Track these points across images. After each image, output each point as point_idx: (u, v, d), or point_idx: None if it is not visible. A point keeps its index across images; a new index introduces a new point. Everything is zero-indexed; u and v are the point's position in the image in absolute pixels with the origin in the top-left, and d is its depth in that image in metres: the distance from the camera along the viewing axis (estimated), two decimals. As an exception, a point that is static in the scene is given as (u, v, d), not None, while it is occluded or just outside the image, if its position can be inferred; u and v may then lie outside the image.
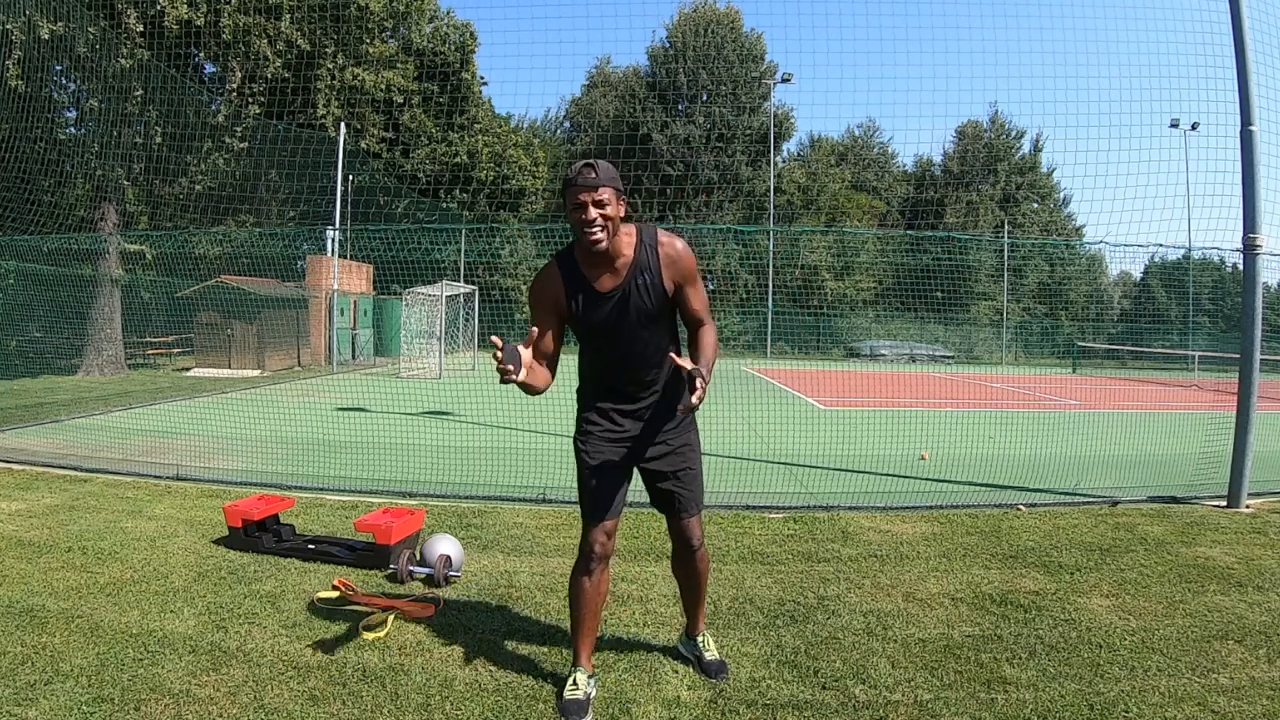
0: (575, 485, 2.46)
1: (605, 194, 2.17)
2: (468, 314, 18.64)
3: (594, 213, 2.16)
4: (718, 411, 2.62)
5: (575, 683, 2.40)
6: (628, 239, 2.30)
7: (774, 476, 6.00)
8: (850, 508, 4.99)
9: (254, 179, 17.53)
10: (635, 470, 2.49)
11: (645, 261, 2.29)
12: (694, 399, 2.12)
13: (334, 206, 18.22)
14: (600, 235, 2.18)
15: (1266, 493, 5.55)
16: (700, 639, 2.69)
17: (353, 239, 19.56)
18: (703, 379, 2.15)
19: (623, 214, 2.25)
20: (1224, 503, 5.21)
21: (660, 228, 2.38)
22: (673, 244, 2.33)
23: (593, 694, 2.42)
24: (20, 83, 11.93)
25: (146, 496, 4.94)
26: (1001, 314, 28.07)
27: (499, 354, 2.02)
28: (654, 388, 2.44)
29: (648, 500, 2.59)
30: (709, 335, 2.40)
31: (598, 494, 2.40)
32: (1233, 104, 5.27)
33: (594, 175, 2.16)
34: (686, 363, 2.22)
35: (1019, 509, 5.05)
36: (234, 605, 3.11)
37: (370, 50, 20.14)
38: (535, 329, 2.25)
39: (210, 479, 5.44)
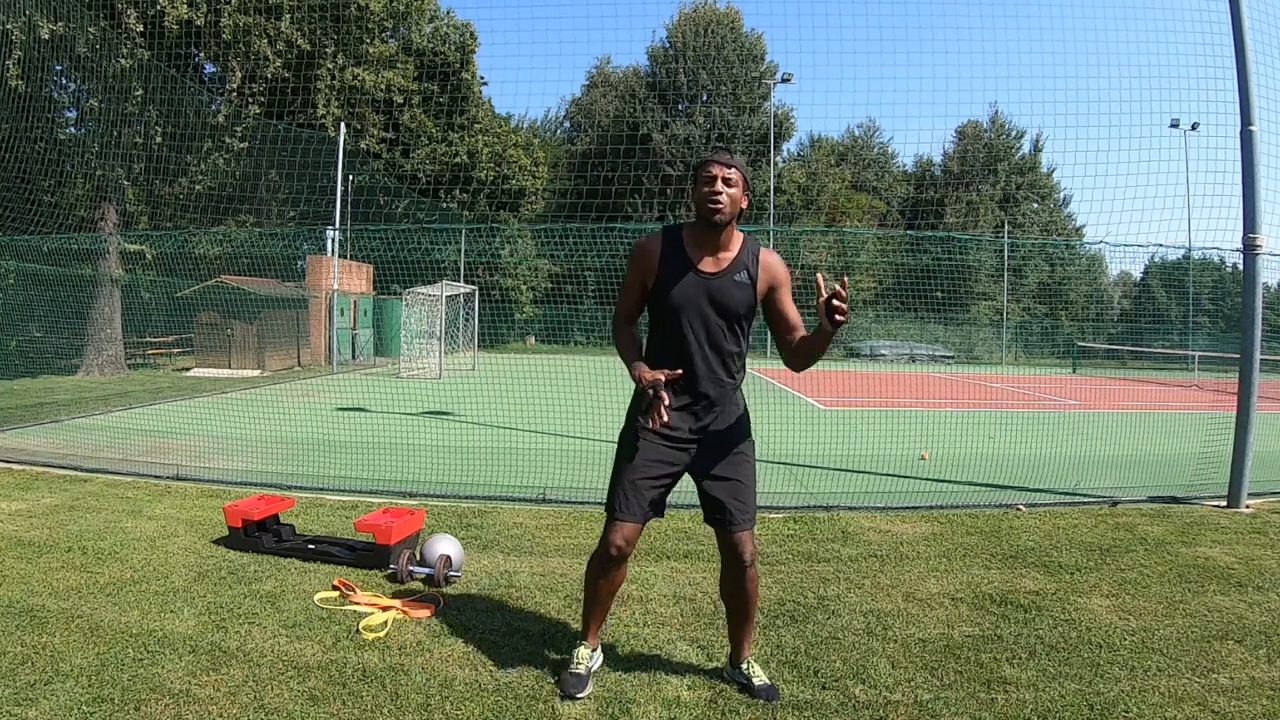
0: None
1: (735, 175, 2.30)
2: (468, 314, 18.64)
3: (721, 186, 2.28)
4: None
5: (578, 658, 2.51)
6: (737, 239, 2.40)
7: (774, 476, 6.00)
8: (850, 508, 4.99)
9: (254, 179, 17.53)
10: (675, 478, 2.44)
11: (745, 262, 2.38)
12: (842, 297, 2.05)
13: (334, 206, 18.21)
14: (722, 206, 2.28)
15: (1266, 493, 5.55)
16: (745, 665, 2.54)
17: (353, 239, 19.56)
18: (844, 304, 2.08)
19: (744, 206, 2.35)
20: (1224, 503, 5.21)
21: (764, 245, 2.47)
22: (772, 255, 2.44)
23: (595, 668, 2.53)
24: (20, 83, 11.92)
25: (146, 496, 4.94)
26: (1001, 314, 28.09)
27: (663, 403, 2.16)
28: (716, 389, 2.39)
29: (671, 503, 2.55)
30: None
31: (627, 492, 2.37)
32: (1233, 104, 5.27)
33: (729, 156, 2.32)
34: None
35: (1019, 509, 5.05)
36: (234, 605, 3.11)
37: (370, 50, 20.13)
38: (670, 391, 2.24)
39: (210, 479, 5.44)
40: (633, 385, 2.45)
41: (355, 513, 4.46)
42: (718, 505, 2.40)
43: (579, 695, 2.39)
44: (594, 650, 2.56)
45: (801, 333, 2.40)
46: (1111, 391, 16.40)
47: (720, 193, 2.27)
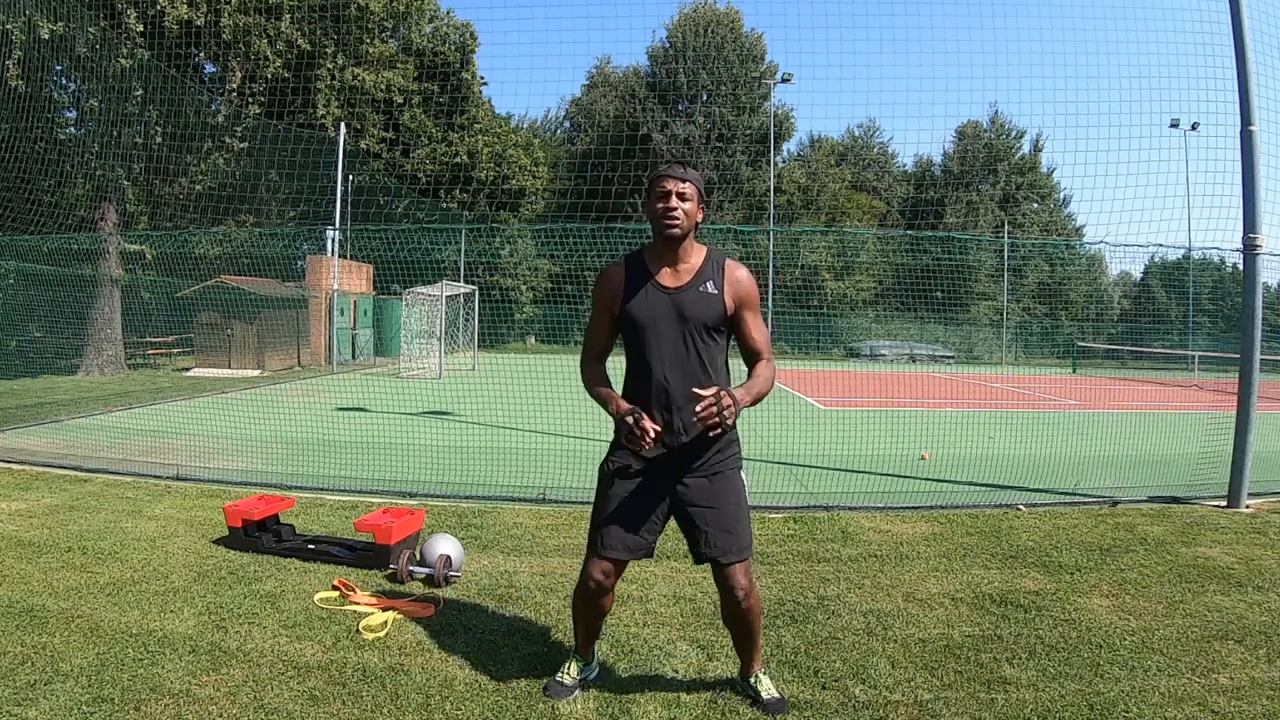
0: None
1: (689, 189, 2.26)
2: (468, 314, 18.64)
3: (675, 201, 2.24)
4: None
5: (567, 670, 2.49)
6: (698, 251, 2.34)
7: (774, 476, 6.00)
8: (850, 508, 4.99)
9: (254, 179, 17.53)
10: (665, 515, 2.35)
11: (710, 273, 2.31)
12: (702, 405, 2.04)
13: (334, 206, 18.22)
14: (676, 222, 2.24)
15: (1266, 493, 5.55)
16: (753, 679, 2.46)
17: (353, 239, 19.56)
18: (730, 397, 2.07)
19: (700, 219, 2.31)
20: (1224, 503, 5.21)
21: (729, 256, 2.40)
22: (739, 268, 2.34)
23: (589, 678, 2.51)
24: (20, 83, 11.93)
25: (146, 496, 4.94)
26: (1001, 314, 28.08)
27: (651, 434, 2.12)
28: (693, 412, 2.26)
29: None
30: (765, 369, 2.32)
31: (607, 526, 2.30)
32: (1233, 104, 5.28)
33: (683, 170, 2.27)
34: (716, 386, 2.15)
35: (1019, 509, 5.05)
36: (234, 605, 3.11)
37: (370, 50, 20.13)
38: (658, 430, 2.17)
39: (210, 479, 5.44)
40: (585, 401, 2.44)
41: (355, 513, 4.46)
42: (704, 538, 2.27)
43: (562, 700, 2.38)
44: (586, 664, 2.52)
45: (759, 365, 2.33)
46: (1111, 391, 16.40)
47: (675, 209, 2.23)
